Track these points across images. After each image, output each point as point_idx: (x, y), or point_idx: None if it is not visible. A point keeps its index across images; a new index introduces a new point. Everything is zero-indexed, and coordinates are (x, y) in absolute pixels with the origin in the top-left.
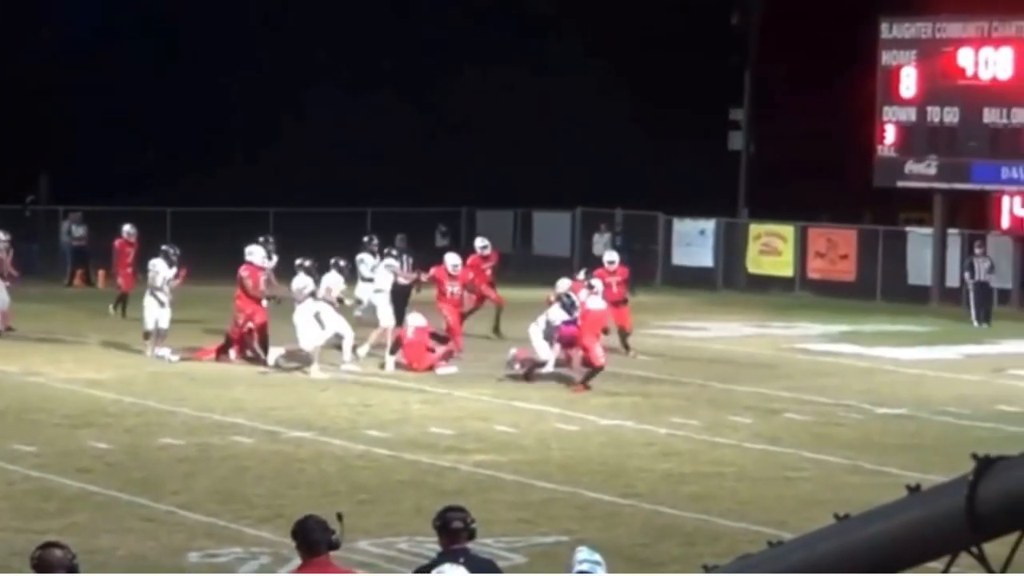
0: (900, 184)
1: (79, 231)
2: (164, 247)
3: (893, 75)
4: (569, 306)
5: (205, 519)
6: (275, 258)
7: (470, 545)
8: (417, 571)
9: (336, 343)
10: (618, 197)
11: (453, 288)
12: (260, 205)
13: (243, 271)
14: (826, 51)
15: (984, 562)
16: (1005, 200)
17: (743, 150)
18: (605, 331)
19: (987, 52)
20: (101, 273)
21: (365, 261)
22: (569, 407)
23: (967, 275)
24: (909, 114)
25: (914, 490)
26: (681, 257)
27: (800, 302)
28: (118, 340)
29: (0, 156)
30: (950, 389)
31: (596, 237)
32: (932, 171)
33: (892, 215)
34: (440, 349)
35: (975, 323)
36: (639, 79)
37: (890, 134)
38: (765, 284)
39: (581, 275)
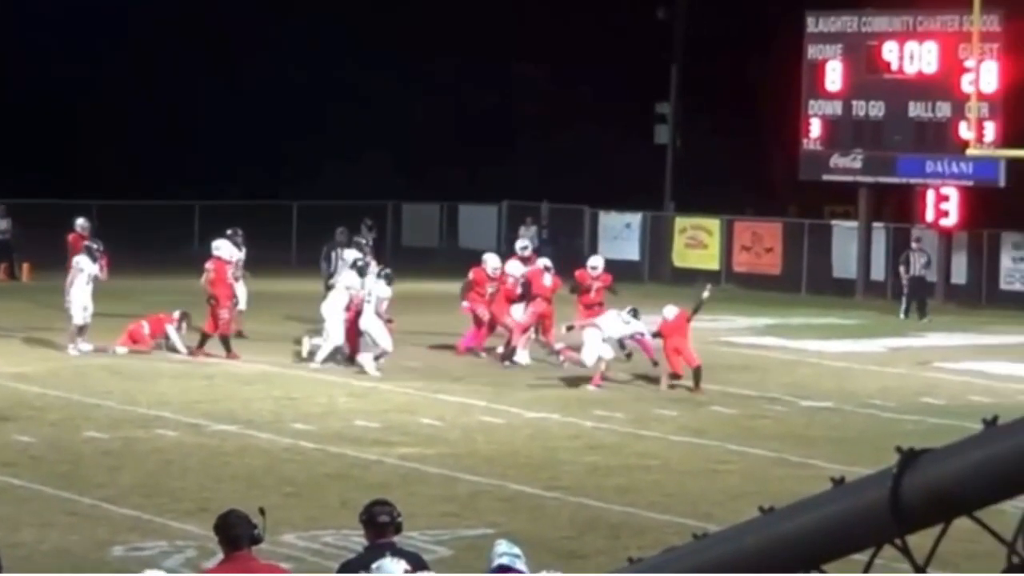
0: (825, 178)
1: (2, 224)
2: (86, 243)
3: (819, 69)
4: (634, 314)
5: (130, 513)
6: (244, 249)
7: (396, 539)
8: (343, 565)
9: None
10: (544, 191)
11: (491, 289)
12: (186, 199)
13: (209, 265)
14: (752, 45)
15: (908, 554)
16: (930, 194)
17: (669, 144)
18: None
19: (912, 46)
20: (26, 266)
21: (345, 258)
22: (495, 400)
23: (902, 269)
24: (835, 108)
25: (839, 483)
26: (607, 250)
27: (726, 295)
28: (43, 334)
29: None
30: (875, 382)
31: (522, 230)
32: (857, 165)
33: (817, 209)
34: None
35: (902, 316)
36: (564, 72)
37: (815, 128)
38: (691, 277)
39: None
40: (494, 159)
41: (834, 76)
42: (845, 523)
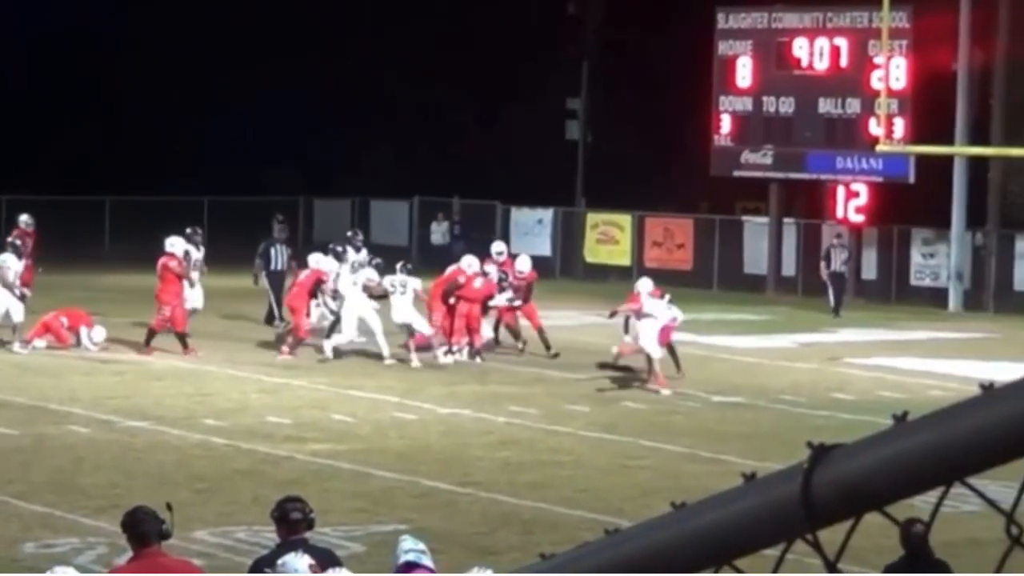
0: (736, 174)
1: None
2: (9, 239)
3: (729, 65)
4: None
5: (41, 509)
6: (203, 249)
7: (309, 535)
8: (256, 561)
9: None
10: (455, 186)
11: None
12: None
13: (166, 261)
14: (663, 41)
15: (819, 549)
16: (840, 190)
17: (580, 140)
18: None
19: (822, 42)
20: None
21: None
22: (407, 396)
23: (823, 264)
24: (745, 104)
25: (750, 478)
26: (519, 246)
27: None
28: None
29: None
30: (785, 377)
31: (434, 226)
32: (768, 161)
33: (728, 205)
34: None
35: (833, 314)
36: (475, 67)
37: (726, 124)
38: (603, 273)
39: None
40: (405, 154)
41: (744, 72)
42: (757, 518)
